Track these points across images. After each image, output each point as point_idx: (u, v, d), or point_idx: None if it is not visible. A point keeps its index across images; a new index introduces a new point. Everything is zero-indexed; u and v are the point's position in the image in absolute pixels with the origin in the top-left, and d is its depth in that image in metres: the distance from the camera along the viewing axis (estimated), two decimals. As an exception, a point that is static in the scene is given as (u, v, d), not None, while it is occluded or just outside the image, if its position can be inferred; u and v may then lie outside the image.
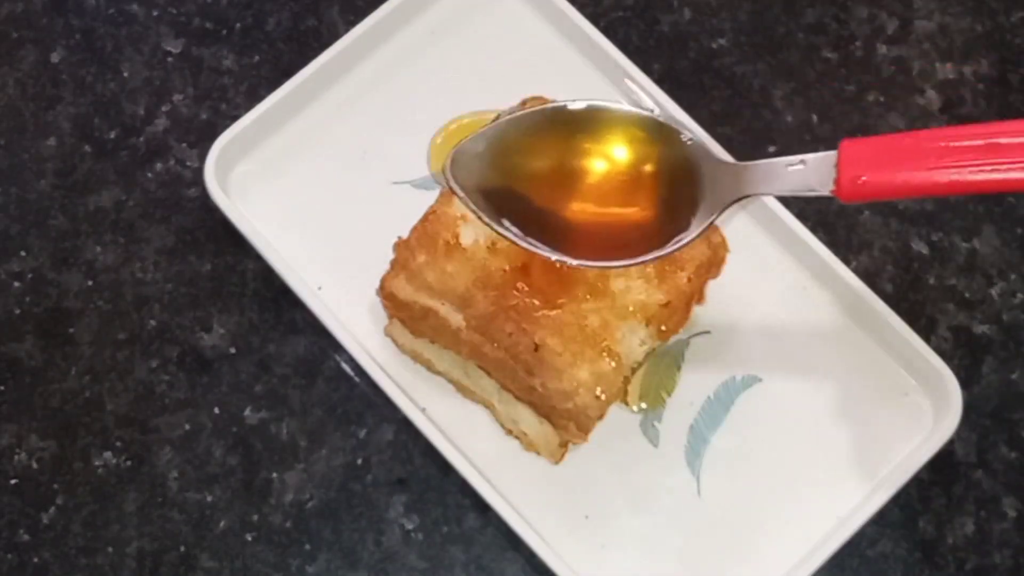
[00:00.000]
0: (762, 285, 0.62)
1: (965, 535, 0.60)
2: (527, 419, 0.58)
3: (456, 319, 0.56)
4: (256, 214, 0.62)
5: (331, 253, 0.62)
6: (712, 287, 0.60)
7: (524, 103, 0.59)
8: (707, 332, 0.61)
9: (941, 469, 0.60)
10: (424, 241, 0.56)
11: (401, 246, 0.57)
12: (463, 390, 0.60)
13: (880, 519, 0.58)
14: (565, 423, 0.56)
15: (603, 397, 0.54)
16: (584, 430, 0.56)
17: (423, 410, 0.58)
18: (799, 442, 0.60)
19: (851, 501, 0.58)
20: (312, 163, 0.64)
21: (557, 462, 0.58)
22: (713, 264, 0.58)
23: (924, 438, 0.59)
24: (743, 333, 0.61)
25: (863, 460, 0.59)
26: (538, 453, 0.59)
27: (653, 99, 0.64)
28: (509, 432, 0.59)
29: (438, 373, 0.60)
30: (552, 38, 0.66)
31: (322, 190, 0.63)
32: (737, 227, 0.62)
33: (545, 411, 0.56)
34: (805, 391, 0.60)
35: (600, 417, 0.55)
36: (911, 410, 0.60)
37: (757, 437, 0.60)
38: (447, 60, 0.66)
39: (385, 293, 0.57)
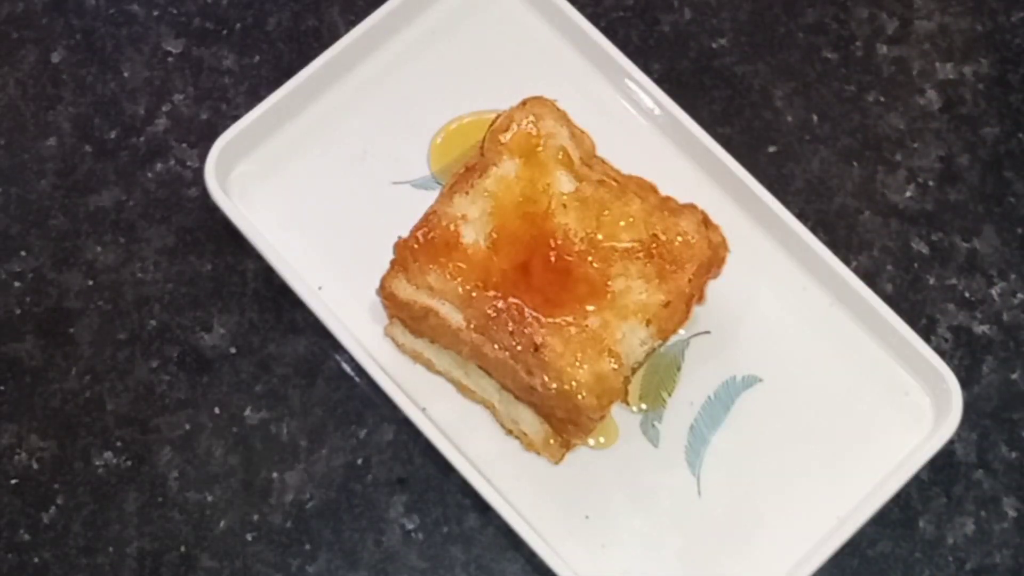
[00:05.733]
0: (762, 285, 0.62)
1: (965, 535, 0.60)
2: (527, 419, 0.58)
3: (456, 319, 0.56)
4: (256, 214, 0.62)
5: (331, 253, 0.62)
6: (712, 287, 0.60)
7: (524, 103, 0.59)
8: (707, 332, 0.61)
9: (941, 469, 0.60)
10: (424, 241, 0.56)
11: (401, 246, 0.57)
12: (463, 390, 0.60)
13: (880, 519, 0.58)
14: (565, 423, 0.56)
15: (603, 399, 0.54)
16: (584, 431, 0.56)
17: (423, 410, 0.58)
18: (799, 442, 0.60)
19: (851, 501, 0.58)
20: (312, 163, 0.64)
21: (557, 462, 0.58)
22: (713, 264, 0.58)
23: (924, 438, 0.59)
24: (743, 333, 0.61)
25: (863, 460, 0.59)
26: (538, 453, 0.59)
27: (653, 99, 0.64)
28: (509, 432, 0.59)
29: (438, 373, 0.60)
30: (552, 38, 0.66)
31: (322, 190, 0.63)
32: (737, 227, 0.62)
33: (545, 411, 0.56)
34: (805, 391, 0.60)
35: (601, 418, 0.55)
36: (911, 410, 0.60)
37: (757, 437, 0.60)
38: (447, 60, 0.66)
39: (385, 293, 0.57)
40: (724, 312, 0.61)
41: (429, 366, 0.60)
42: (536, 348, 0.54)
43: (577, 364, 0.54)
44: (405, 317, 0.58)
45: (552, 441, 0.58)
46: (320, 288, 0.61)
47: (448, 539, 0.59)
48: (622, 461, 0.59)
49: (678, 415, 0.60)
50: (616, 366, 0.54)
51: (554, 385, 0.54)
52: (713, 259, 0.57)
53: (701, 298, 0.60)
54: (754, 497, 0.59)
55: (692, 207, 0.58)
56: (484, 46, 0.66)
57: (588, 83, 0.65)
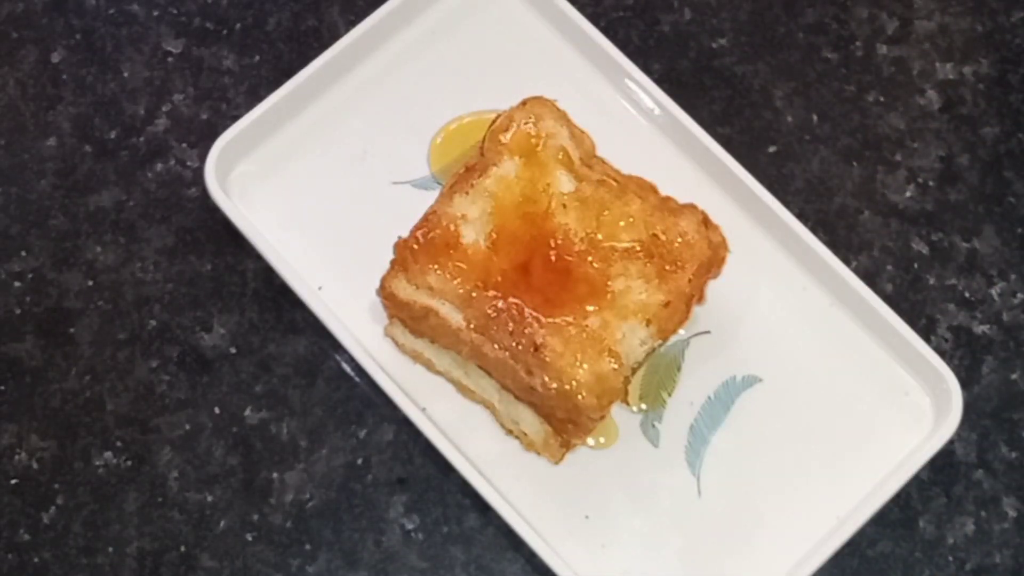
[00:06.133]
0: (762, 285, 0.62)
1: (965, 535, 0.60)
2: (527, 419, 0.58)
3: (456, 319, 0.56)
4: (256, 214, 0.62)
5: (331, 253, 0.62)
6: (712, 287, 0.60)
7: (524, 103, 0.59)
8: (707, 332, 0.61)
9: (941, 469, 0.60)
10: (424, 241, 0.56)
11: (401, 246, 0.57)
12: (463, 390, 0.60)
13: (880, 519, 0.58)
14: (565, 423, 0.56)
15: (603, 399, 0.54)
16: (584, 431, 0.56)
17: (423, 410, 0.58)
18: (799, 442, 0.60)
19: (851, 501, 0.58)
20: (312, 163, 0.64)
21: (557, 462, 0.58)
22: (714, 264, 0.58)
23: (924, 438, 0.59)
24: (743, 333, 0.61)
25: (863, 460, 0.59)
26: (538, 453, 0.59)
27: (653, 99, 0.64)
28: (509, 432, 0.59)
29: (438, 373, 0.60)
30: (552, 38, 0.66)
31: (322, 190, 0.63)
32: (737, 227, 0.62)
33: (545, 411, 0.56)
34: (805, 391, 0.60)
35: (601, 418, 0.55)
36: (911, 410, 0.60)
37: (757, 437, 0.60)
38: (447, 60, 0.66)
39: (385, 293, 0.57)
40: (724, 312, 0.61)
41: (429, 366, 0.60)
42: (536, 348, 0.54)
43: (577, 364, 0.54)
44: (405, 317, 0.58)
45: (552, 441, 0.58)
46: (320, 288, 0.61)
47: (448, 539, 0.59)
48: (622, 461, 0.59)
49: (678, 415, 0.60)
50: (616, 366, 0.54)
51: (554, 385, 0.54)
52: (713, 259, 0.57)
53: (701, 298, 0.60)
54: (754, 497, 0.59)
55: (692, 207, 0.58)
56: (484, 46, 0.66)
57: (588, 83, 0.65)
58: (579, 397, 0.54)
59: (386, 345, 0.61)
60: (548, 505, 0.58)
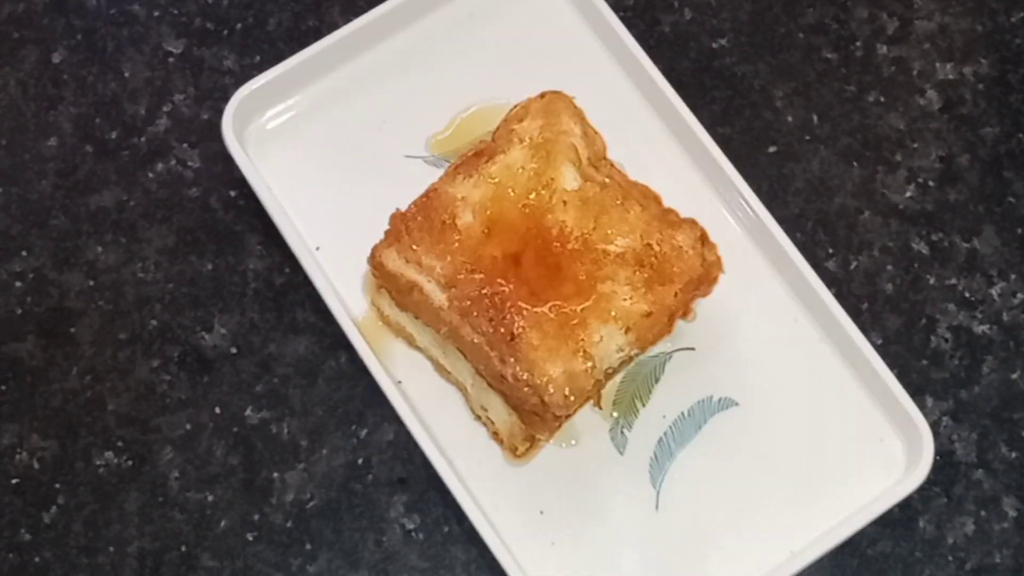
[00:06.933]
0: (753, 310, 0.61)
1: (965, 535, 0.60)
2: (496, 407, 0.58)
3: (439, 298, 0.55)
4: (266, 169, 0.62)
5: (335, 217, 0.62)
6: (703, 304, 0.59)
7: (542, 96, 0.59)
8: (691, 348, 0.61)
9: (941, 469, 0.60)
10: (421, 216, 0.56)
11: (397, 218, 0.57)
12: (440, 369, 0.60)
13: (880, 519, 0.58)
14: (532, 416, 0.56)
15: (571, 397, 0.54)
16: (548, 428, 0.56)
17: (399, 383, 0.58)
18: (766, 471, 0.59)
19: (807, 537, 0.57)
20: (330, 126, 0.64)
21: (516, 459, 0.58)
22: (704, 282, 0.57)
23: (890, 486, 0.58)
24: (727, 355, 0.61)
25: (826, 498, 0.58)
26: (501, 447, 0.58)
27: (678, 114, 0.63)
28: (478, 418, 0.59)
29: (418, 349, 0.60)
30: (591, 40, 0.66)
31: (335, 154, 0.63)
32: (738, 248, 0.61)
33: (514, 402, 0.56)
34: (780, 422, 0.59)
35: (567, 417, 0.55)
36: (882, 456, 0.59)
37: (725, 460, 0.59)
38: (481, 44, 0.66)
39: (374, 262, 0.57)
40: (711, 331, 0.61)
41: (410, 340, 0.60)
42: (512, 337, 0.54)
43: (550, 359, 0.54)
44: (391, 289, 0.58)
45: (517, 433, 0.57)
46: (318, 249, 0.61)
47: (448, 539, 0.59)
48: (585, 462, 0.59)
49: (649, 426, 0.59)
50: (589, 367, 0.54)
51: (524, 376, 0.53)
52: (704, 277, 0.57)
53: (688, 313, 0.59)
54: (711, 519, 0.58)
55: (692, 222, 0.57)
56: (520, 36, 0.66)
57: (613, 86, 0.65)
58: (547, 392, 0.53)
59: (371, 315, 0.61)
60: (506, 495, 0.58)
